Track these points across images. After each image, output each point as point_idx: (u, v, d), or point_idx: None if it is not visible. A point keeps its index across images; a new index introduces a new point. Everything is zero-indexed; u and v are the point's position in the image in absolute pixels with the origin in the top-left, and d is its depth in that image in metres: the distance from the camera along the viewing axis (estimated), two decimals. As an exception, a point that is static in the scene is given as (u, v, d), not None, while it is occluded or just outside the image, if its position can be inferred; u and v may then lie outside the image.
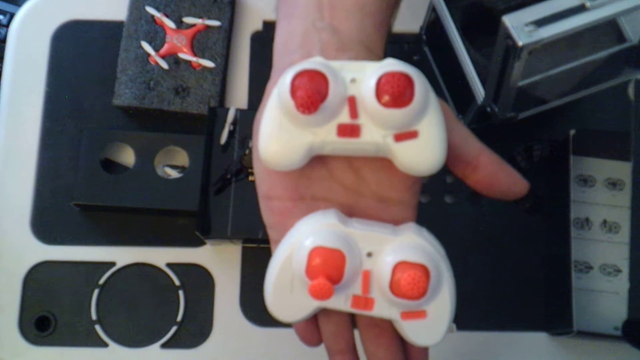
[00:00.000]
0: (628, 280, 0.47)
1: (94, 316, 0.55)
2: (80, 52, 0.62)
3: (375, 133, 0.34)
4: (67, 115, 0.60)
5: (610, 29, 0.53)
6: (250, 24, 0.63)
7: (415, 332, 0.36)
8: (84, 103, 0.60)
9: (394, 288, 0.34)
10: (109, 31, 0.61)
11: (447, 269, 0.36)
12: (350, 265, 0.35)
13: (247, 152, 0.55)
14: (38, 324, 0.55)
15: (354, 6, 0.38)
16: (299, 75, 0.34)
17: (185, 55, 0.59)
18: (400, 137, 0.34)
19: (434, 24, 0.55)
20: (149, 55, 0.59)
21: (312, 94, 0.33)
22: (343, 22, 0.38)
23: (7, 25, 0.94)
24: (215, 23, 0.61)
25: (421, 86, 0.34)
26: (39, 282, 0.56)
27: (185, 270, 0.56)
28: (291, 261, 0.35)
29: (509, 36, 0.44)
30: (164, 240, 0.57)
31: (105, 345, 0.55)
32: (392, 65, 0.34)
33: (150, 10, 0.60)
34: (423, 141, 0.34)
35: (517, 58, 0.45)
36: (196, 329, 0.55)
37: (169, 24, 0.60)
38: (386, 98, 0.34)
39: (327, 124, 0.35)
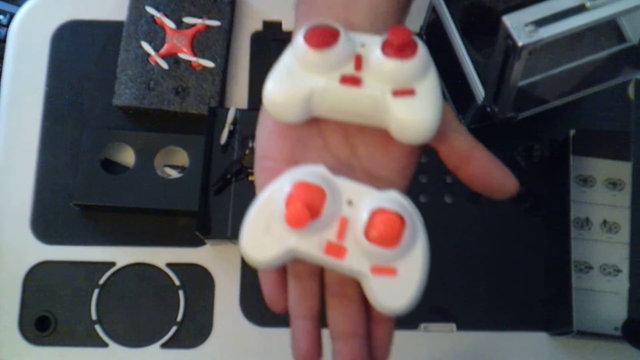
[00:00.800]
0: (628, 280, 0.47)
1: (94, 316, 0.55)
2: (80, 52, 0.62)
3: (375, 87, 0.36)
4: (67, 115, 0.60)
5: (610, 29, 0.53)
6: (250, 24, 0.63)
7: (383, 291, 0.35)
8: (84, 103, 0.60)
9: (369, 232, 0.35)
10: (109, 31, 0.61)
11: (423, 234, 0.36)
12: (330, 206, 0.35)
13: (247, 152, 0.55)
14: (38, 324, 0.55)
15: (367, 5, 0.40)
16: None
17: (185, 55, 0.59)
18: (398, 92, 0.36)
19: (434, 24, 0.55)
20: (149, 55, 0.59)
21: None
22: (357, 20, 0.40)
23: (7, 25, 0.94)
24: (215, 23, 0.61)
25: (424, 47, 0.36)
26: (39, 282, 0.56)
27: (185, 270, 0.56)
28: (271, 201, 0.36)
29: (509, 36, 0.44)
30: (164, 240, 0.57)
31: (105, 345, 0.55)
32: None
33: (150, 10, 0.60)
34: (419, 101, 0.36)
35: (517, 58, 0.45)
36: (196, 329, 0.55)
37: (169, 24, 0.60)
38: (390, 49, 0.35)
39: (331, 73, 0.36)
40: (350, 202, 0.36)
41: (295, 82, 0.36)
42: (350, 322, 0.37)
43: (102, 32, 0.62)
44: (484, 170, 0.38)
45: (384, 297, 0.36)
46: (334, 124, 0.38)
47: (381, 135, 0.37)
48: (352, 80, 0.36)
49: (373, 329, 0.38)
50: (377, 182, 0.38)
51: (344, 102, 0.37)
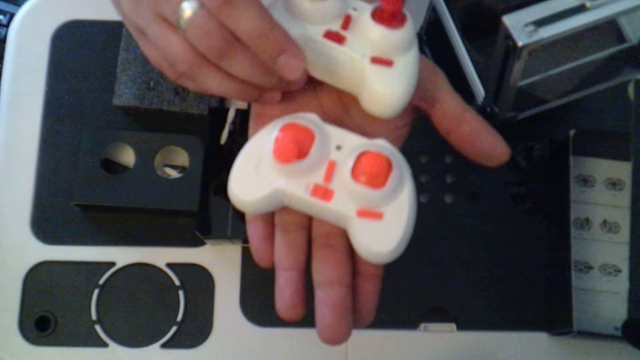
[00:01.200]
0: (628, 280, 0.47)
1: (94, 316, 0.55)
2: (80, 52, 0.62)
3: (357, 49, 0.37)
4: (67, 115, 0.60)
5: (610, 29, 0.53)
6: (250, 24, 0.63)
7: (368, 234, 0.35)
8: (84, 103, 0.60)
9: (355, 172, 0.35)
10: (109, 31, 0.61)
11: (410, 180, 0.36)
12: (318, 147, 0.36)
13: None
14: (38, 324, 0.55)
15: None
16: (288, 126, 0.36)
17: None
18: (376, 60, 0.36)
19: (434, 24, 0.55)
20: (149, 55, 0.59)
21: (293, 147, 0.35)
22: None
23: (7, 25, 0.94)
24: (215, 23, 0.60)
25: (411, 22, 0.37)
26: (39, 282, 0.56)
27: (185, 270, 0.56)
28: (261, 143, 0.37)
29: (509, 36, 0.44)
30: (164, 240, 0.57)
31: (105, 345, 0.55)
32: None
33: (150, 10, 0.60)
34: (395, 73, 0.36)
35: (517, 58, 0.45)
36: (196, 329, 0.55)
37: (169, 24, 0.60)
38: (380, 16, 0.36)
39: (317, 26, 0.37)
40: (339, 147, 0.37)
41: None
42: (334, 271, 0.36)
43: (102, 32, 0.62)
44: (475, 133, 0.39)
45: (369, 240, 0.35)
46: (329, 87, 0.39)
47: None
48: (335, 37, 0.37)
49: (359, 283, 0.37)
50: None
51: (323, 57, 0.37)
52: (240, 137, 0.56)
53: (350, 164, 0.35)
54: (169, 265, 0.56)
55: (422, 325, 0.56)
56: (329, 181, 0.36)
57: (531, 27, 0.44)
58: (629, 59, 0.53)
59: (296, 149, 0.35)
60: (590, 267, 0.54)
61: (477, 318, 0.56)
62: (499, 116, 0.52)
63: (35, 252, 0.56)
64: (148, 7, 0.36)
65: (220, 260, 0.57)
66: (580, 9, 0.45)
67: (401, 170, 0.36)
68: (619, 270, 0.54)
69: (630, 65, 0.53)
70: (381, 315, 0.55)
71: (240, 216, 0.54)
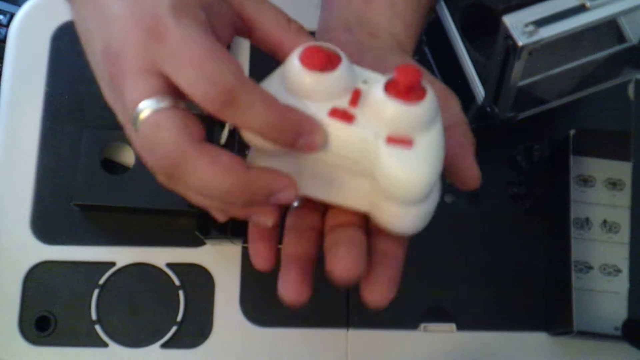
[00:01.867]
0: (628, 280, 0.47)
1: (94, 316, 0.55)
2: (80, 52, 0.61)
3: (369, 127, 0.32)
4: (67, 115, 0.60)
5: (610, 29, 0.53)
6: (250, 24, 0.63)
7: (398, 161, 0.31)
8: (84, 103, 0.60)
9: (390, 87, 0.31)
10: (109, 31, 0.61)
11: (440, 117, 0.33)
12: (345, 68, 0.32)
13: (247, 152, 0.55)
14: (38, 324, 0.55)
15: (384, 2, 0.40)
16: (316, 45, 0.33)
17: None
18: (393, 140, 0.32)
19: (434, 24, 0.55)
20: None
21: (323, 56, 0.32)
22: (375, 16, 0.40)
23: (7, 25, 0.94)
24: (215, 23, 0.60)
25: (433, 95, 0.32)
26: (39, 282, 0.56)
27: (185, 270, 0.56)
28: (285, 68, 0.33)
29: (509, 36, 0.44)
30: (164, 240, 0.57)
31: (105, 345, 0.55)
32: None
33: (150, 10, 0.60)
34: (415, 154, 0.32)
35: (517, 58, 0.45)
36: (196, 329, 0.55)
37: (169, 24, 0.60)
38: (394, 89, 0.31)
39: (322, 102, 0.32)
40: (365, 82, 0.33)
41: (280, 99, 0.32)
42: (349, 219, 0.34)
43: (102, 32, 0.62)
44: (452, 150, 0.36)
45: (400, 166, 0.31)
46: None
47: None
48: (343, 115, 0.32)
49: (381, 243, 0.35)
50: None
51: (329, 139, 0.32)
52: (240, 136, 0.55)
53: (382, 81, 0.32)
54: (169, 265, 0.56)
55: (422, 325, 0.56)
56: (354, 106, 0.32)
57: (531, 27, 0.44)
58: (629, 59, 0.53)
59: (325, 57, 0.31)
60: (590, 267, 0.54)
61: (477, 318, 0.56)
62: (499, 116, 0.52)
63: (35, 252, 0.56)
64: (118, 107, 0.33)
65: (220, 260, 0.57)
66: (580, 9, 0.45)
67: (436, 100, 0.32)
68: (619, 270, 0.54)
69: (630, 65, 0.53)
70: (381, 315, 0.56)
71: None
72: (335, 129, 0.32)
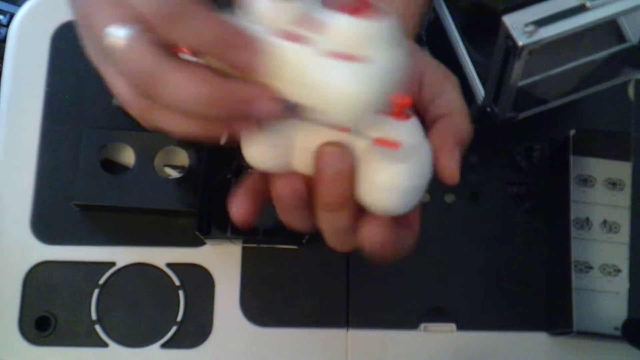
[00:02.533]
0: (628, 280, 0.47)
1: (94, 316, 0.55)
2: (80, 52, 0.61)
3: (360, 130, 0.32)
4: (67, 115, 0.60)
5: (610, 29, 0.53)
6: (250, 24, 0.63)
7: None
8: (84, 103, 0.60)
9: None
10: (109, 31, 0.61)
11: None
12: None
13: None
14: (38, 324, 0.55)
15: None
16: None
17: (186, 55, 0.59)
18: (381, 142, 0.32)
19: (434, 24, 0.55)
20: None
21: None
22: None
23: (7, 25, 0.94)
24: (215, 23, 0.60)
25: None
26: (39, 282, 0.56)
27: (185, 270, 0.56)
28: None
29: (509, 36, 0.44)
30: (164, 240, 0.57)
31: (105, 345, 0.55)
32: None
33: (150, 10, 0.60)
34: (401, 155, 0.32)
35: (517, 58, 0.45)
36: (196, 329, 0.55)
37: (169, 24, 0.60)
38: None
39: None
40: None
41: None
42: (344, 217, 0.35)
43: (102, 32, 0.62)
44: (430, 139, 0.35)
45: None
46: None
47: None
48: (292, 37, 0.30)
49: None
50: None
51: (280, 61, 0.31)
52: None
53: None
54: (169, 265, 0.56)
55: (422, 325, 0.56)
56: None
57: (531, 27, 0.44)
58: (629, 59, 0.53)
59: None
60: (590, 267, 0.54)
61: (477, 318, 0.56)
62: (499, 116, 0.52)
63: (35, 252, 0.56)
64: (91, 43, 0.34)
65: (220, 260, 0.57)
66: (580, 9, 0.45)
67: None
68: (619, 270, 0.54)
69: (630, 65, 0.53)
70: (381, 315, 0.56)
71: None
72: (284, 49, 0.30)
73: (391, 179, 0.32)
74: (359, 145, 0.32)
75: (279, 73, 0.30)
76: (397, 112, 0.31)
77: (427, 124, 0.38)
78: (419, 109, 0.39)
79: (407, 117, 0.32)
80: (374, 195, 0.32)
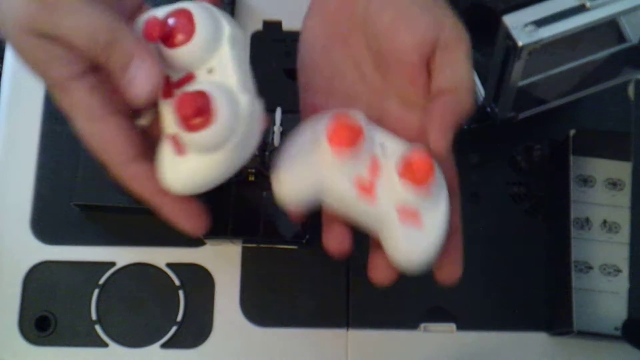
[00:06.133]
0: (628, 280, 0.47)
1: (94, 316, 0.55)
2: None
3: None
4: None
5: (610, 29, 0.53)
6: (250, 24, 0.63)
7: (404, 235, 0.36)
8: (84, 103, 0.60)
9: (403, 169, 0.35)
10: (109, 31, 0.61)
11: (446, 191, 0.37)
12: (366, 139, 0.36)
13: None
14: (38, 324, 0.55)
15: None
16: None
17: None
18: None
19: (434, 24, 0.55)
20: None
21: (347, 135, 0.35)
22: None
23: (7, 25, 0.94)
24: (215, 23, 0.60)
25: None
26: (39, 282, 0.56)
27: (185, 270, 0.56)
28: (309, 133, 0.37)
29: (509, 36, 0.44)
30: (164, 240, 0.57)
31: (105, 345, 0.55)
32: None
33: (150, 10, 0.60)
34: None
35: (517, 58, 0.45)
36: (196, 329, 0.55)
37: (169, 24, 0.60)
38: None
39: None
40: (382, 145, 0.37)
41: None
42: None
43: (102, 32, 0.62)
44: (428, 113, 0.38)
45: (405, 242, 0.36)
46: (367, 56, 0.39)
47: (409, 69, 0.38)
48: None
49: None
50: (413, 108, 0.39)
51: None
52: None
53: (396, 160, 0.36)
54: (169, 265, 0.56)
55: (422, 325, 0.56)
56: (374, 175, 0.36)
57: (531, 27, 0.44)
58: (629, 59, 0.53)
59: (350, 134, 0.35)
60: (590, 267, 0.54)
61: (477, 318, 0.56)
62: (499, 116, 0.52)
63: (35, 252, 0.56)
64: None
65: (220, 260, 0.57)
66: (580, 9, 0.45)
67: (440, 178, 0.36)
68: (619, 270, 0.54)
69: (630, 65, 0.53)
70: (381, 315, 0.56)
71: (240, 216, 0.54)
72: (357, 203, 0.36)
73: (414, 254, 0.36)
74: (383, 208, 0.36)
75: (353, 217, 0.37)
76: (420, 180, 0.35)
77: (431, 91, 0.39)
78: (430, 69, 0.39)
79: (429, 186, 0.35)
80: (398, 258, 0.36)
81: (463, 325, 0.56)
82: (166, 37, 0.34)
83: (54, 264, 0.56)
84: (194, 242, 0.56)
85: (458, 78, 0.38)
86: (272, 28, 0.62)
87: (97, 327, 0.55)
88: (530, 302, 0.57)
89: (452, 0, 0.54)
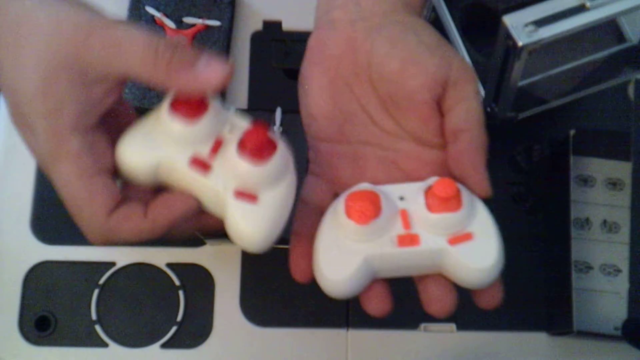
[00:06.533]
0: (628, 280, 0.47)
1: (94, 316, 0.55)
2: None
3: (222, 178, 0.35)
4: (67, 115, 0.60)
5: (610, 29, 0.53)
6: (250, 24, 0.63)
7: (467, 255, 0.36)
8: (84, 103, 0.60)
9: (430, 203, 0.36)
10: (109, 31, 0.61)
11: (478, 198, 0.37)
12: (386, 203, 0.36)
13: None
14: (38, 324, 0.55)
15: None
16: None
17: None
18: (240, 194, 0.35)
19: (434, 24, 0.55)
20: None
21: (367, 205, 0.35)
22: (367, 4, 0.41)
23: (7, 25, 0.94)
24: (215, 23, 0.61)
25: (281, 152, 0.36)
26: (39, 282, 0.56)
27: (185, 270, 0.56)
28: (332, 223, 0.37)
29: (509, 36, 0.44)
30: (164, 240, 0.57)
31: (105, 345, 0.55)
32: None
33: (150, 10, 0.60)
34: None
35: (517, 58, 0.45)
36: (196, 329, 0.55)
37: (169, 24, 0.60)
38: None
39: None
40: (402, 198, 0.37)
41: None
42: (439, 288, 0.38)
43: (102, 32, 0.62)
44: (460, 155, 0.38)
45: (470, 259, 0.36)
46: (375, 100, 0.40)
47: (421, 109, 0.38)
48: (201, 165, 0.35)
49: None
50: (429, 147, 0.39)
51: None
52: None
53: (421, 201, 0.36)
54: (169, 265, 0.56)
55: (422, 325, 0.56)
56: (409, 228, 0.36)
57: (531, 27, 0.44)
58: (629, 59, 0.53)
59: (371, 206, 0.35)
60: (590, 267, 0.54)
61: (477, 318, 0.56)
62: (499, 116, 0.52)
63: (35, 252, 0.56)
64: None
65: (220, 260, 0.57)
66: (580, 9, 0.45)
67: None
68: (619, 270, 0.54)
69: (630, 65, 0.53)
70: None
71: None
72: (193, 179, 0.35)
73: (251, 227, 0.35)
74: (222, 192, 0.35)
75: (411, 265, 0.37)
76: (254, 153, 0.35)
77: (445, 131, 0.39)
78: (442, 108, 0.39)
79: (267, 155, 0.35)
80: (238, 240, 0.36)
81: (463, 325, 0.56)
82: (187, 113, 0.35)
83: (54, 264, 0.56)
84: (194, 242, 0.56)
85: (473, 115, 0.38)
86: (272, 28, 0.63)
87: (97, 327, 0.55)
88: (530, 302, 0.57)
89: (452, 0, 0.54)
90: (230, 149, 0.35)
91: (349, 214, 0.35)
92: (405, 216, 0.36)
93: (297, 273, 0.38)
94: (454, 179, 0.36)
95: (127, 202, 0.36)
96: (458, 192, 0.36)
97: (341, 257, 0.36)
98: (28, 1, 0.34)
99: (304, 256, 0.38)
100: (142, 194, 0.36)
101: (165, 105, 0.35)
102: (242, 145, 0.35)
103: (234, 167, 0.35)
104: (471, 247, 0.36)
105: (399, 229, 0.36)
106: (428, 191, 0.36)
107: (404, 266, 0.37)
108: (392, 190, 0.37)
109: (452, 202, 0.35)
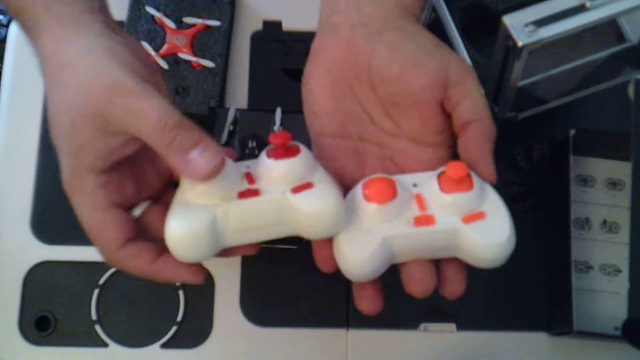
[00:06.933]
0: (628, 280, 0.47)
1: (94, 316, 0.55)
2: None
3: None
4: (67, 115, 0.60)
5: (610, 29, 0.53)
6: (250, 24, 0.63)
7: (481, 232, 0.37)
8: (84, 103, 0.60)
9: (443, 186, 0.38)
10: (109, 31, 0.61)
11: (489, 185, 0.39)
12: (401, 188, 0.38)
13: (246, 152, 0.55)
14: (38, 324, 0.55)
15: None
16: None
17: (185, 55, 0.59)
18: (296, 189, 0.38)
19: (434, 24, 0.55)
20: (149, 55, 0.59)
21: (384, 187, 0.38)
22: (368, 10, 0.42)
23: (7, 25, 0.94)
24: (215, 23, 0.61)
25: (475, 175, 0.39)
26: (39, 282, 0.56)
27: (185, 270, 0.56)
28: (352, 207, 0.39)
29: (509, 36, 0.44)
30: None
31: (105, 345, 0.55)
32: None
33: (150, 10, 0.60)
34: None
35: (517, 58, 0.45)
36: (196, 329, 0.55)
37: (169, 24, 0.60)
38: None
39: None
40: (415, 185, 0.39)
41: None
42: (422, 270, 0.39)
43: (102, 32, 0.62)
44: (469, 143, 0.40)
45: (485, 236, 0.37)
46: (375, 101, 0.42)
47: (422, 109, 0.40)
48: (249, 194, 0.38)
49: (443, 267, 0.40)
50: (425, 146, 0.42)
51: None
52: (240, 137, 0.56)
53: (434, 185, 0.38)
54: (169, 265, 0.56)
55: (422, 325, 0.56)
56: (424, 209, 0.38)
57: (531, 27, 0.44)
58: (629, 59, 0.53)
59: (388, 187, 0.37)
60: (590, 267, 0.54)
61: (477, 318, 0.56)
62: (499, 116, 0.52)
63: (35, 252, 0.56)
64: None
65: (220, 260, 0.56)
66: (580, 9, 0.45)
67: (476, 175, 0.39)
68: (619, 270, 0.54)
69: (630, 65, 0.53)
70: (381, 315, 0.56)
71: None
72: (250, 204, 0.38)
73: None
74: (281, 198, 0.38)
75: (427, 247, 0.38)
76: (463, 182, 0.38)
77: (454, 126, 0.41)
78: (446, 107, 0.41)
79: (470, 184, 0.38)
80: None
81: (463, 325, 0.56)
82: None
83: (54, 264, 0.56)
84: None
85: (480, 107, 0.40)
86: (272, 28, 0.63)
87: (97, 327, 0.55)
88: (530, 302, 0.57)
89: (452, 0, 0.54)
90: (264, 165, 0.38)
91: (367, 197, 0.38)
92: (420, 199, 0.38)
93: (321, 262, 0.40)
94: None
95: (140, 240, 0.39)
96: (469, 173, 0.37)
97: (361, 237, 0.38)
98: (76, 49, 0.38)
99: (325, 247, 0.40)
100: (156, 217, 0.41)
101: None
102: (271, 153, 0.38)
103: (277, 171, 0.38)
104: (484, 225, 0.37)
105: (414, 211, 0.38)
106: (441, 175, 0.38)
107: (421, 248, 0.38)
108: (405, 179, 0.40)
109: (464, 183, 0.37)
